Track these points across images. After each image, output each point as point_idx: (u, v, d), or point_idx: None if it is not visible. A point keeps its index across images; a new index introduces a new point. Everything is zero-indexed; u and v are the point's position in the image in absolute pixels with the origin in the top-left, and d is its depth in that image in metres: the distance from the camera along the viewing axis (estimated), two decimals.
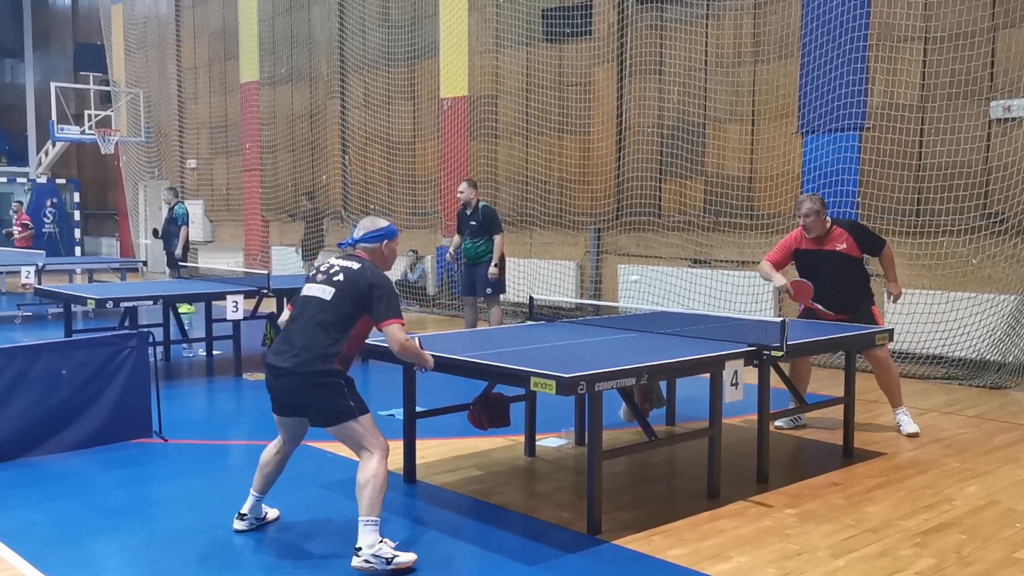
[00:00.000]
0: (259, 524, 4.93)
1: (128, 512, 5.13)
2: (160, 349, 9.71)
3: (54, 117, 21.84)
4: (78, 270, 16.78)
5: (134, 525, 4.93)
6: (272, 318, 10.26)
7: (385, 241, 4.73)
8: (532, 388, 4.61)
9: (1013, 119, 9.05)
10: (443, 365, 5.23)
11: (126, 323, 9.19)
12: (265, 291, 9.36)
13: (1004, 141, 9.12)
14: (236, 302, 8.83)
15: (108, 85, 24.25)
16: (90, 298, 8.60)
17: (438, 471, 5.89)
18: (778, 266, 7.19)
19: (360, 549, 4.26)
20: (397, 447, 5.90)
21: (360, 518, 4.30)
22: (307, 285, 4.65)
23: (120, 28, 24.17)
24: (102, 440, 6.44)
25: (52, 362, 6.29)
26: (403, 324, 4.50)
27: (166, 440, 6.62)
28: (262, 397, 8.26)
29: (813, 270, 7.02)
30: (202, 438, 6.83)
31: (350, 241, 4.76)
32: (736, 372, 5.25)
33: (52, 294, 9.70)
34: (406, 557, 4.35)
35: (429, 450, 6.27)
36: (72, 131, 22.20)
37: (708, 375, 5.33)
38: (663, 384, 6.97)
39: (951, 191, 9.41)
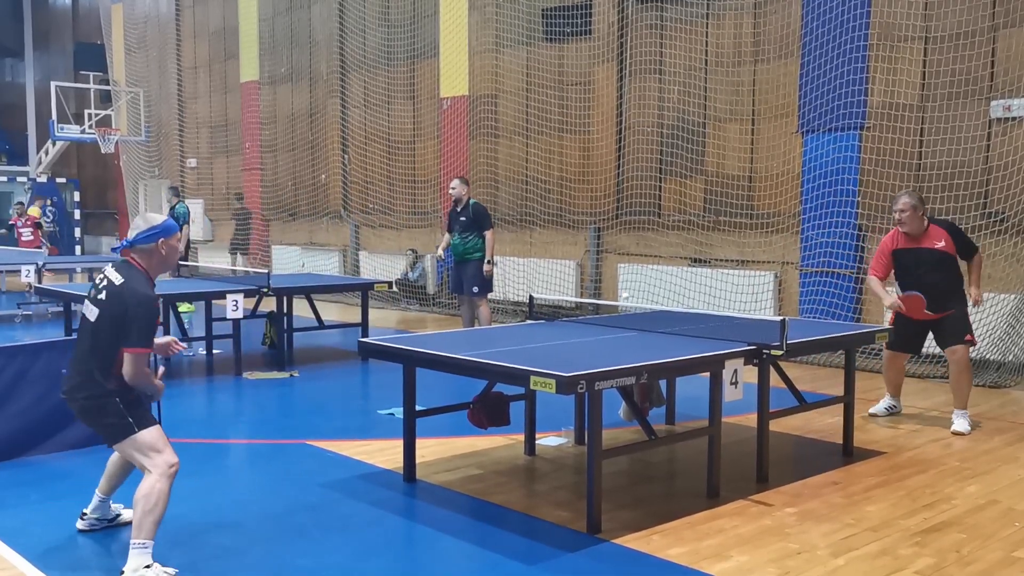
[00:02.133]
0: (106, 524, 4.85)
1: (128, 512, 5.12)
2: None
3: (54, 116, 21.84)
4: (78, 269, 16.78)
5: None
6: (272, 317, 10.28)
7: (161, 239, 4.35)
8: (532, 387, 4.61)
9: (1013, 119, 9.05)
10: (443, 364, 5.24)
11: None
12: (265, 290, 9.36)
13: (1004, 141, 9.12)
14: (236, 301, 8.83)
15: (108, 84, 24.25)
16: None
17: (438, 470, 5.90)
18: (884, 274, 7.15)
19: (123, 574, 4.09)
20: (397, 446, 5.92)
21: (131, 539, 4.14)
22: (85, 302, 4.38)
23: (120, 27, 24.17)
24: (102, 440, 6.42)
25: (52, 362, 6.28)
26: (147, 353, 4.25)
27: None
28: (262, 396, 8.30)
29: (909, 269, 7.02)
30: (202, 437, 6.83)
31: (124, 244, 4.39)
32: (736, 371, 5.25)
33: (52, 293, 9.70)
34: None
35: (429, 449, 6.27)
36: (72, 130, 22.21)
37: (708, 374, 5.33)
38: (663, 383, 6.97)
39: (951, 191, 9.41)
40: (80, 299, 8.80)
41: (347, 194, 17.28)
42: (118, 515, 4.92)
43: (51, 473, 5.86)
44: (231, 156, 20.76)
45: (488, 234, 10.27)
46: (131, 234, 4.38)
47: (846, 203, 10.10)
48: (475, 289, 10.25)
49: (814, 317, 10.00)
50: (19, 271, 13.42)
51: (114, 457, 4.72)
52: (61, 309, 10.46)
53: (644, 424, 5.39)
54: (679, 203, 11.94)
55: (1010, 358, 8.81)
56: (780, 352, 5.38)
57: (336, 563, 4.41)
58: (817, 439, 6.74)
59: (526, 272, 13.56)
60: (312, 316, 10.64)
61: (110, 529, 4.87)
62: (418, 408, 5.71)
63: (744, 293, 10.89)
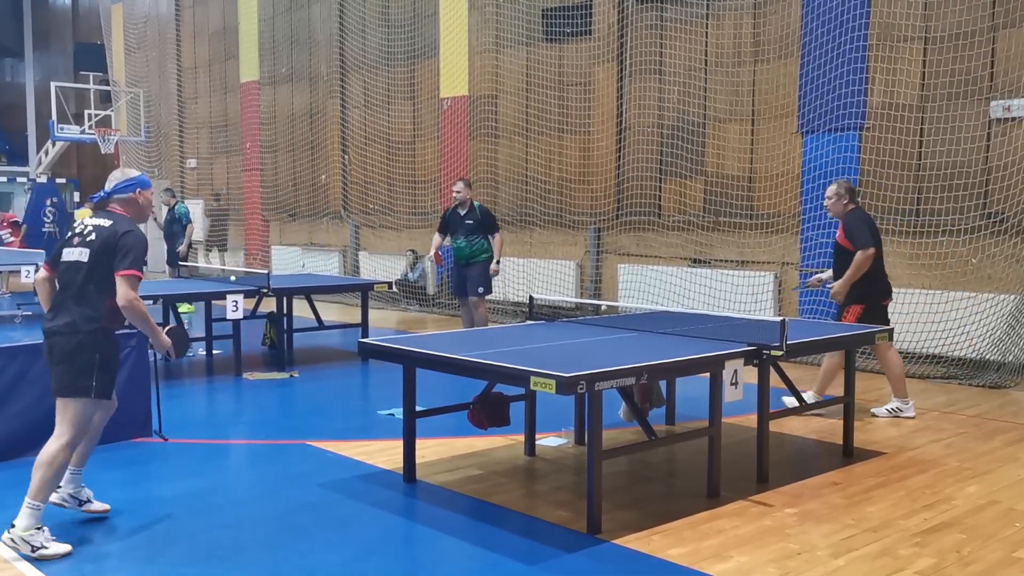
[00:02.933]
0: (76, 505, 4.92)
1: (128, 512, 5.13)
2: None
3: (54, 117, 21.85)
4: None
5: (134, 525, 4.93)
6: (272, 317, 10.28)
7: (138, 190, 4.77)
8: (532, 387, 4.61)
9: (1013, 119, 9.05)
10: (443, 365, 5.24)
11: (126, 323, 9.18)
12: (265, 291, 9.36)
13: (1004, 141, 9.12)
14: (236, 302, 8.83)
15: (108, 85, 24.25)
16: None
17: (438, 470, 5.90)
18: None
19: (13, 527, 4.39)
20: (397, 447, 5.92)
21: (28, 499, 4.42)
22: (65, 250, 4.65)
23: (120, 28, 24.17)
24: (101, 440, 6.40)
25: None
26: (139, 278, 4.53)
27: (166, 440, 6.62)
28: (262, 397, 8.29)
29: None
30: (202, 438, 6.83)
31: (103, 194, 4.75)
32: (736, 372, 5.25)
33: None
34: (57, 548, 4.40)
35: (429, 450, 6.27)
36: (72, 131, 22.21)
37: (708, 375, 5.33)
38: (663, 384, 6.97)
39: (951, 191, 9.41)
40: None
41: (347, 194, 17.28)
42: (88, 501, 4.99)
43: None
44: (231, 156, 20.76)
45: (498, 236, 10.17)
46: (109, 185, 4.74)
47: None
48: (480, 290, 10.14)
49: (814, 317, 10.00)
50: (19, 271, 13.41)
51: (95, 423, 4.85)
52: None
53: (644, 424, 5.39)
54: (679, 203, 11.94)
55: (1010, 359, 8.80)
56: (780, 352, 5.38)
57: (336, 563, 4.41)
58: (817, 439, 6.74)
59: (526, 272, 13.57)
60: (312, 316, 10.64)
61: (110, 529, 4.87)
62: (418, 408, 5.71)
63: (744, 294, 10.89)
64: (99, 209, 4.74)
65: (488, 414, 5.74)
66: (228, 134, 20.78)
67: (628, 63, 12.36)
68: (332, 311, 13.91)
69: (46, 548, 4.38)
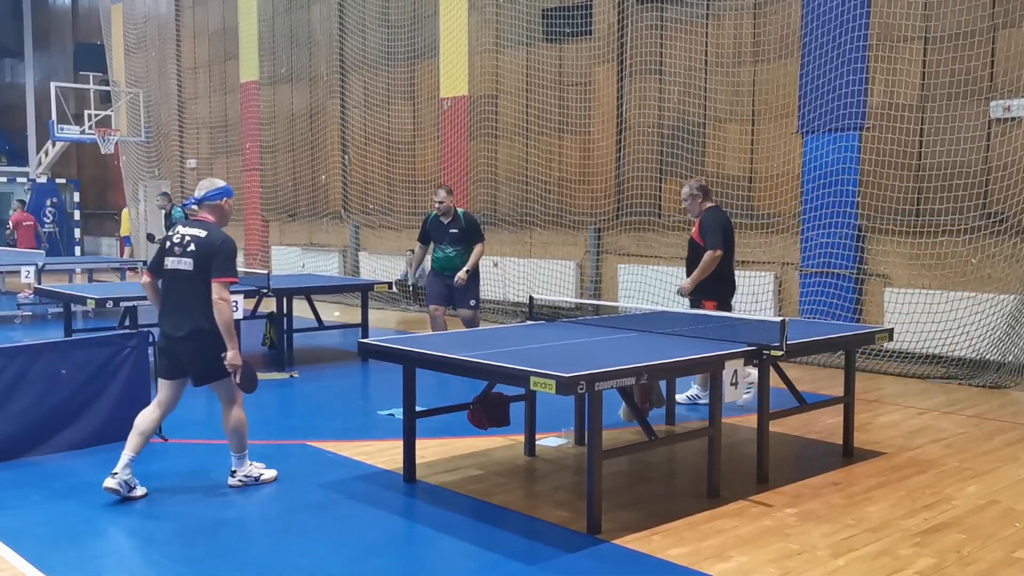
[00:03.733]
0: (127, 492, 5.23)
1: (128, 512, 5.13)
2: None
3: (54, 117, 21.85)
4: (78, 270, 16.79)
5: (134, 525, 4.93)
6: (272, 317, 10.28)
7: (225, 199, 5.52)
8: (532, 388, 4.61)
9: (1013, 119, 9.05)
10: (443, 365, 5.24)
11: (126, 323, 9.20)
12: (265, 291, 9.35)
13: (1004, 141, 9.11)
14: (236, 302, 8.81)
15: (108, 85, 24.24)
16: (90, 298, 8.60)
17: (438, 471, 5.90)
18: None
19: (234, 473, 5.49)
20: (397, 447, 5.92)
21: (233, 452, 5.48)
22: (167, 259, 5.36)
23: (120, 28, 24.16)
24: (102, 440, 6.44)
25: (52, 362, 6.29)
26: (233, 282, 5.27)
27: (166, 440, 6.61)
28: (262, 397, 8.28)
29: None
30: (202, 438, 6.83)
31: (193, 201, 5.47)
32: (736, 372, 5.25)
33: (52, 294, 9.70)
34: (269, 473, 5.58)
35: (429, 450, 6.27)
36: (72, 131, 22.21)
37: (708, 375, 5.33)
38: (663, 384, 6.97)
39: (951, 191, 9.41)
40: (80, 299, 8.83)
41: (347, 195, 17.28)
42: (260, 475, 5.62)
43: (51, 473, 5.86)
44: (231, 157, 20.75)
45: (479, 247, 9.39)
46: (200, 192, 5.47)
47: (846, 203, 10.09)
48: (473, 303, 9.37)
49: (814, 317, 10.01)
50: (19, 271, 13.42)
51: (147, 417, 5.39)
52: (61, 310, 10.44)
53: (644, 424, 5.39)
54: (679, 204, 11.92)
55: (1010, 359, 8.80)
56: (780, 353, 5.38)
57: (336, 563, 4.41)
58: (817, 439, 6.74)
59: (526, 273, 13.57)
60: (312, 317, 10.64)
61: (110, 529, 4.87)
62: (418, 409, 5.71)
63: (744, 294, 10.87)
64: (192, 220, 5.41)
65: (488, 414, 5.74)
66: (228, 134, 20.77)
67: (628, 63, 12.35)
68: (332, 311, 13.91)
69: (264, 475, 5.56)
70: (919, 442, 6.64)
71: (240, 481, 5.50)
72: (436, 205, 9.47)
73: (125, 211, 23.03)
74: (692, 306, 7.53)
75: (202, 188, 5.48)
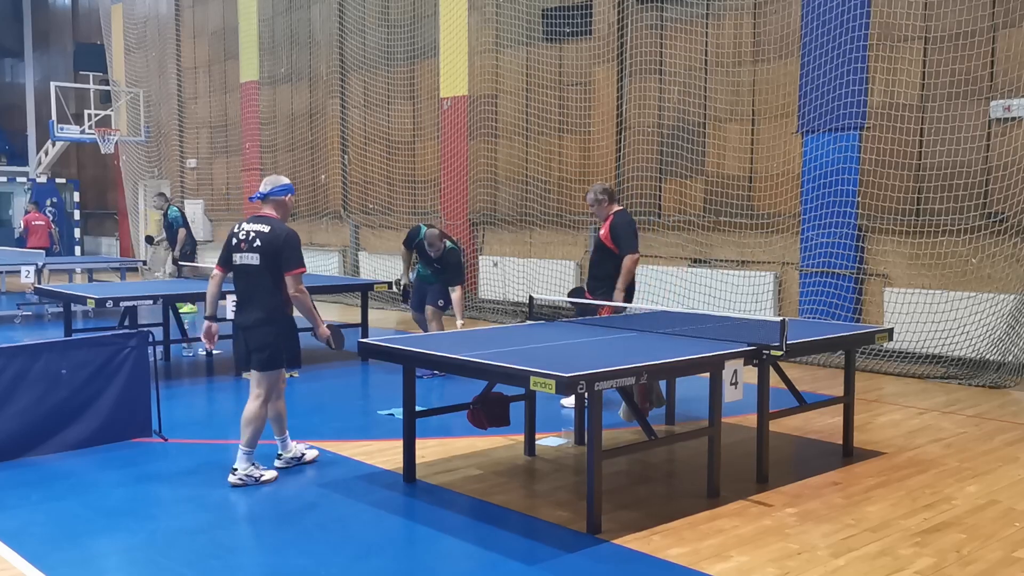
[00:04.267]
0: (296, 463, 5.89)
1: (128, 512, 5.13)
2: (160, 349, 9.71)
3: (54, 117, 21.85)
4: (78, 270, 16.78)
5: (134, 525, 4.93)
6: None
7: (288, 195, 5.76)
8: (532, 388, 4.61)
9: (1013, 119, 9.05)
10: (443, 365, 5.24)
11: (126, 323, 9.19)
12: None
13: (1004, 141, 9.12)
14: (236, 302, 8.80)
15: (108, 85, 24.24)
16: (90, 298, 8.60)
17: (438, 471, 5.90)
18: None
19: (235, 470, 5.56)
20: (397, 447, 5.92)
21: (241, 446, 5.57)
22: (235, 255, 5.64)
23: (120, 28, 24.16)
24: (102, 440, 6.44)
25: (52, 362, 6.29)
26: (303, 272, 5.55)
27: (166, 440, 6.62)
28: None
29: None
30: (202, 438, 6.83)
31: (259, 195, 5.69)
32: (736, 372, 5.25)
33: (52, 294, 9.70)
34: (269, 474, 5.62)
35: (429, 450, 6.27)
36: (72, 131, 22.21)
37: (708, 375, 5.33)
38: (663, 384, 6.97)
39: (951, 191, 9.41)
40: (80, 299, 8.83)
41: (347, 194, 17.28)
42: (303, 454, 5.97)
43: (51, 473, 5.86)
44: (231, 156, 20.75)
45: (458, 291, 8.93)
46: (266, 188, 5.69)
47: (846, 203, 10.09)
48: (440, 302, 9.14)
49: (814, 317, 10.01)
50: (19, 271, 13.42)
51: (248, 408, 5.64)
52: (61, 310, 10.44)
53: (644, 424, 5.39)
54: (679, 203, 11.93)
55: (1010, 359, 8.80)
56: (780, 352, 5.38)
57: (336, 563, 4.41)
58: (817, 439, 6.74)
59: (526, 272, 13.56)
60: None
61: (110, 529, 4.88)
62: (418, 408, 5.71)
63: (744, 293, 10.89)
64: (256, 216, 5.63)
65: (488, 414, 5.74)
66: (228, 134, 20.77)
67: (628, 63, 12.35)
68: (332, 311, 13.91)
69: (264, 476, 5.59)
70: (919, 442, 6.64)
71: (240, 479, 5.53)
72: (426, 245, 9.09)
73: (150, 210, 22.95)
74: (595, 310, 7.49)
75: (268, 184, 5.69)
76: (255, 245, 5.53)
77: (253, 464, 5.60)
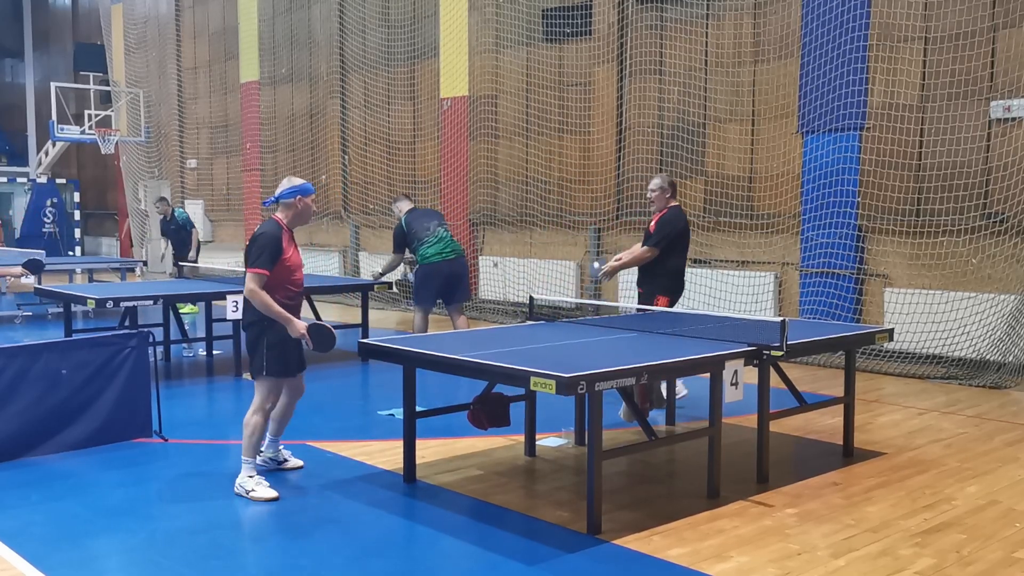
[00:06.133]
0: (276, 466, 5.79)
1: (128, 512, 5.13)
2: (160, 349, 9.72)
3: (54, 117, 21.84)
4: (78, 270, 16.78)
5: (134, 525, 4.93)
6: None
7: (299, 196, 5.46)
8: (532, 388, 4.61)
9: (1013, 119, 9.05)
10: (443, 365, 5.24)
11: (126, 323, 9.20)
12: None
13: (1004, 141, 9.12)
14: (236, 302, 8.80)
15: (108, 85, 24.24)
16: (90, 298, 8.60)
17: (438, 471, 5.89)
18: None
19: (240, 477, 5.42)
20: (397, 447, 5.92)
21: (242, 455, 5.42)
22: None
23: (120, 28, 24.16)
24: (102, 440, 6.44)
25: (52, 362, 6.29)
26: (263, 274, 5.23)
27: (166, 440, 6.62)
28: None
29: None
30: (202, 438, 6.83)
31: (272, 200, 5.54)
32: (736, 372, 5.25)
33: (52, 294, 9.70)
34: (265, 493, 5.27)
35: (429, 450, 6.27)
36: (72, 131, 22.20)
37: (708, 375, 5.33)
38: (663, 384, 6.97)
39: (951, 191, 9.41)
40: (80, 299, 8.84)
41: (347, 195, 17.29)
42: (286, 460, 5.84)
43: (51, 473, 5.86)
44: (231, 157, 20.76)
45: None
46: (277, 191, 5.53)
47: (846, 203, 10.09)
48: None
49: (814, 318, 10.00)
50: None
51: (276, 408, 5.59)
52: (61, 310, 10.44)
53: (644, 424, 5.39)
54: (679, 204, 11.90)
55: (1010, 359, 8.80)
56: (780, 353, 5.38)
57: (336, 563, 4.41)
58: (817, 440, 6.74)
59: (526, 273, 13.56)
60: (312, 317, 10.62)
61: (110, 529, 4.87)
62: (418, 409, 5.71)
63: (744, 294, 10.88)
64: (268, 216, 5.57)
65: (488, 414, 5.73)
66: (228, 134, 20.78)
67: (628, 63, 12.35)
68: (332, 311, 13.91)
69: (255, 491, 5.28)
70: (919, 442, 6.64)
71: (237, 488, 5.39)
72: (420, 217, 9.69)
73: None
74: (642, 300, 7.50)
75: (280, 187, 5.54)
76: (247, 245, 5.48)
77: (252, 476, 5.37)
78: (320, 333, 5.31)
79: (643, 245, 7.44)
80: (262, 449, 5.68)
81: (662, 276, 7.37)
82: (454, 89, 14.84)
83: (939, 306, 9.36)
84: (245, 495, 5.30)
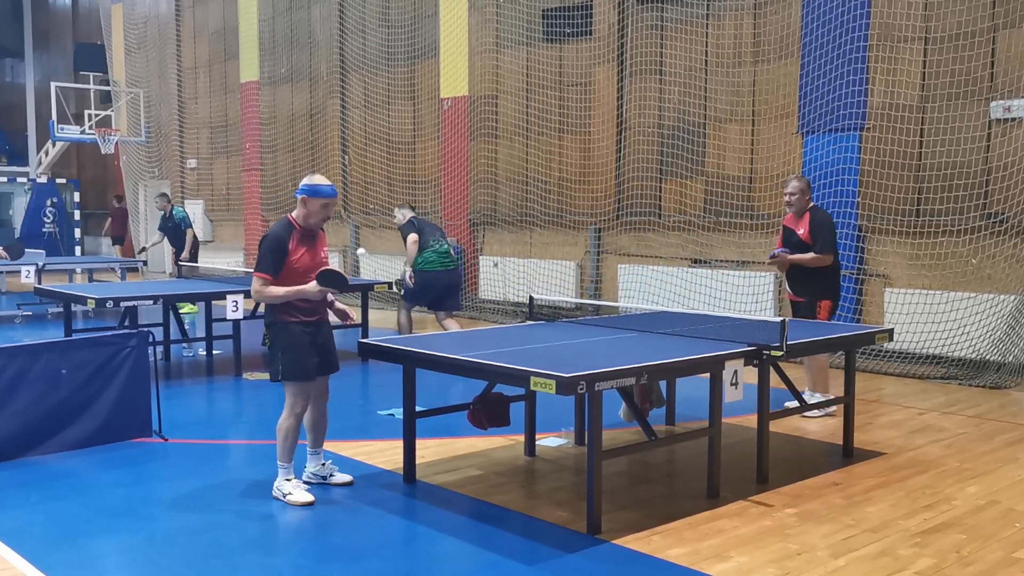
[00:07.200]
0: (320, 481, 5.57)
1: (128, 512, 5.13)
2: (160, 349, 9.72)
3: (54, 117, 21.83)
4: (78, 270, 16.77)
5: (134, 525, 4.93)
6: None
7: (303, 196, 5.39)
8: (532, 388, 4.61)
9: (1013, 119, 9.05)
10: (443, 365, 5.24)
11: (126, 323, 9.20)
12: None
13: (1004, 141, 9.12)
14: (236, 302, 8.82)
15: (108, 85, 24.23)
16: (90, 298, 8.60)
17: (438, 471, 5.90)
18: (779, 244, 7.68)
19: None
20: (397, 447, 5.92)
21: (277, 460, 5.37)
22: None
23: (120, 28, 24.16)
24: (102, 440, 6.44)
25: (52, 362, 6.29)
26: (265, 278, 5.22)
27: (166, 440, 6.62)
28: (262, 397, 8.28)
29: (785, 243, 7.54)
30: (202, 438, 6.83)
31: (296, 195, 5.50)
32: (736, 372, 5.25)
33: (52, 294, 9.70)
34: (300, 497, 5.22)
35: (429, 450, 6.27)
36: (72, 131, 22.18)
37: (708, 375, 5.33)
38: (663, 384, 6.96)
39: (951, 191, 9.41)
40: (80, 299, 8.85)
41: (347, 194, 17.28)
42: (331, 474, 5.61)
43: (51, 473, 5.86)
44: (231, 157, 20.75)
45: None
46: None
47: (846, 203, 10.09)
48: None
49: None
50: (19, 271, 13.42)
51: (307, 415, 5.49)
52: (61, 310, 10.44)
53: (644, 425, 5.39)
54: (679, 204, 11.93)
55: (1010, 359, 8.80)
56: (780, 353, 5.38)
57: (336, 563, 4.41)
58: (817, 440, 6.74)
59: (526, 273, 13.56)
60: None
61: (110, 529, 4.87)
62: (418, 409, 5.71)
63: (744, 294, 10.89)
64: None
65: (488, 414, 5.73)
66: (228, 134, 20.77)
67: (628, 63, 12.35)
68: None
69: (292, 495, 5.21)
70: (919, 442, 6.64)
71: (275, 491, 5.32)
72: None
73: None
74: (802, 309, 7.38)
75: (302, 181, 5.49)
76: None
77: (288, 479, 5.30)
78: (330, 278, 5.33)
79: (791, 251, 7.32)
80: (307, 465, 5.58)
81: (830, 278, 7.32)
82: (454, 89, 14.84)
83: (939, 306, 9.36)
84: (282, 499, 5.24)
